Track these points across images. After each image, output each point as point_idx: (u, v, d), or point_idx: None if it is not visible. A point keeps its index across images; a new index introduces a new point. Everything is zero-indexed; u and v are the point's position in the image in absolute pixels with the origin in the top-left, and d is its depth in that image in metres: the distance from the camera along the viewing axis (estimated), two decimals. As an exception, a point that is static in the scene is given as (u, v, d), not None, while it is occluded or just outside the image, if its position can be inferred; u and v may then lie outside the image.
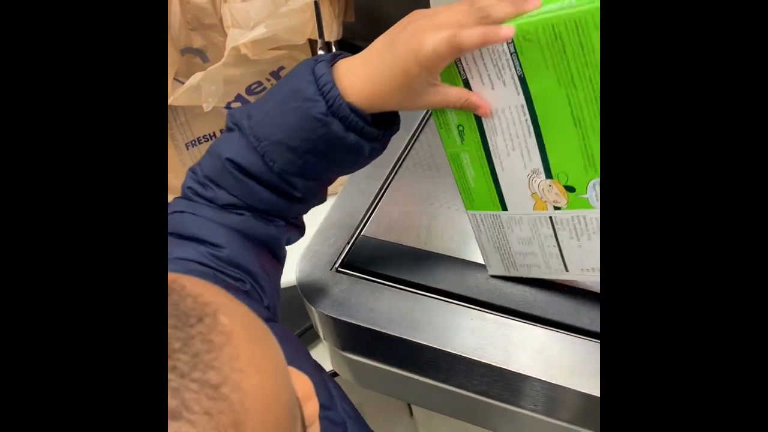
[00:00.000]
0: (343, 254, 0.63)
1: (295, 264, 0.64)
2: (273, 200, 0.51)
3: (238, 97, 0.93)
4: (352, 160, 0.51)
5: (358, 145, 0.49)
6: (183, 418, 0.24)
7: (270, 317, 0.52)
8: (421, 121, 0.75)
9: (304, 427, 0.33)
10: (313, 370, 0.50)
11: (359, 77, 0.47)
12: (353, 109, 0.47)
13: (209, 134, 0.99)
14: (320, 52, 0.77)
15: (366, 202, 0.67)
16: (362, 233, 0.64)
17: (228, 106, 0.94)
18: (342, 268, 0.62)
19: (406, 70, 0.45)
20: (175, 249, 0.50)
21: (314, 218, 0.68)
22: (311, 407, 0.34)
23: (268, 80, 0.91)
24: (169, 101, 0.82)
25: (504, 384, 0.56)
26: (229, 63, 0.81)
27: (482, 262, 0.59)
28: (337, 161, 0.51)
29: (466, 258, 0.61)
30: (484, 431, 0.85)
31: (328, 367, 0.74)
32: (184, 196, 0.53)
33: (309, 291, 0.61)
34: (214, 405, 0.25)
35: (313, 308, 0.61)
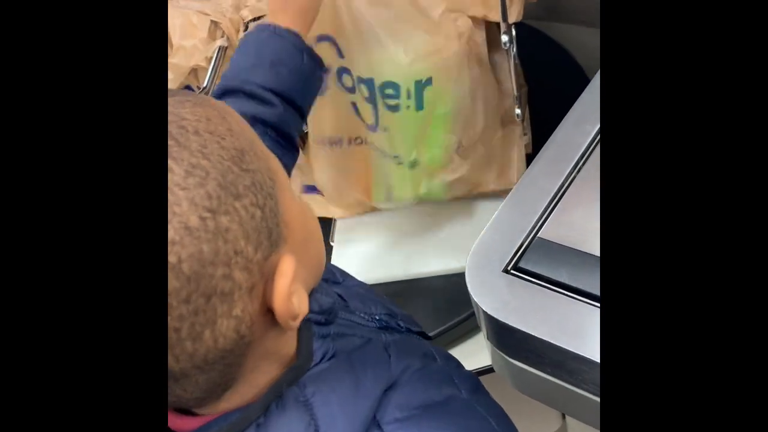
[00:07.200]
0: (517, 255, 0.60)
1: (466, 257, 0.62)
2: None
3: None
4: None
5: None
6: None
7: None
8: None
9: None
10: None
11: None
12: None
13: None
14: (504, 38, 0.74)
15: (544, 201, 0.64)
16: (538, 235, 0.61)
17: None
18: (514, 270, 0.59)
19: None
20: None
21: (486, 213, 0.66)
22: None
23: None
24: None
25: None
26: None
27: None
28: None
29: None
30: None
31: (485, 361, 0.72)
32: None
33: (478, 289, 0.59)
34: None
35: (480, 307, 0.59)
